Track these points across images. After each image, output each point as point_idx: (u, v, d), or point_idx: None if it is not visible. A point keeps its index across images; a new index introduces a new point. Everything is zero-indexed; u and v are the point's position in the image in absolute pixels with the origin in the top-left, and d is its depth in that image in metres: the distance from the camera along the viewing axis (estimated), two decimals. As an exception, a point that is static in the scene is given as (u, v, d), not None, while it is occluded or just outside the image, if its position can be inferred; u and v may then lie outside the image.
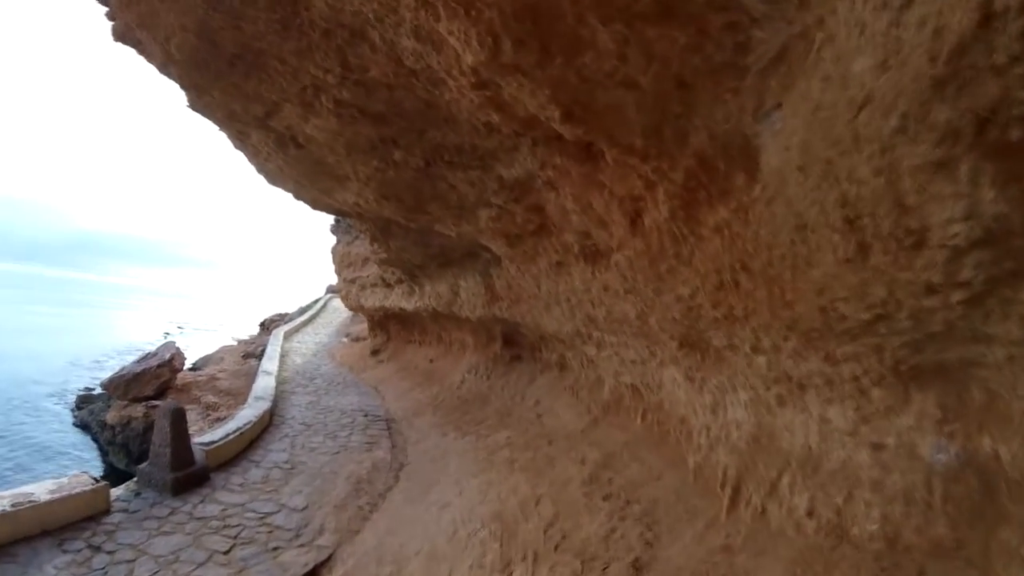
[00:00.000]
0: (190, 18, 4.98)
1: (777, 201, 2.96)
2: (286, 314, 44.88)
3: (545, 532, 6.23)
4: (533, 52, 3.05)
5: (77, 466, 16.41)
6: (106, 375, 22.58)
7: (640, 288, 5.31)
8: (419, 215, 8.68)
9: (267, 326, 39.79)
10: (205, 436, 10.97)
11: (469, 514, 7.38)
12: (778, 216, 3.01)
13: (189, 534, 7.78)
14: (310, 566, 7.28)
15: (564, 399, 10.63)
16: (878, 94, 2.11)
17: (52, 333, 48.49)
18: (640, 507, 5.98)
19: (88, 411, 22.17)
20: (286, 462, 11.11)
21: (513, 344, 14.31)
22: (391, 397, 17.55)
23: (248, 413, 13.17)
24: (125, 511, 8.15)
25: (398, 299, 18.70)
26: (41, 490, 7.51)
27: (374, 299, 21.76)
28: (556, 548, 5.85)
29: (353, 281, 23.77)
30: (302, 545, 7.79)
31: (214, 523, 8.18)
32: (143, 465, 9.35)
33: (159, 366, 20.19)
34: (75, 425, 22.16)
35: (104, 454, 18.77)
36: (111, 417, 18.88)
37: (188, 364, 24.71)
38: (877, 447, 3.66)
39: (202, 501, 8.85)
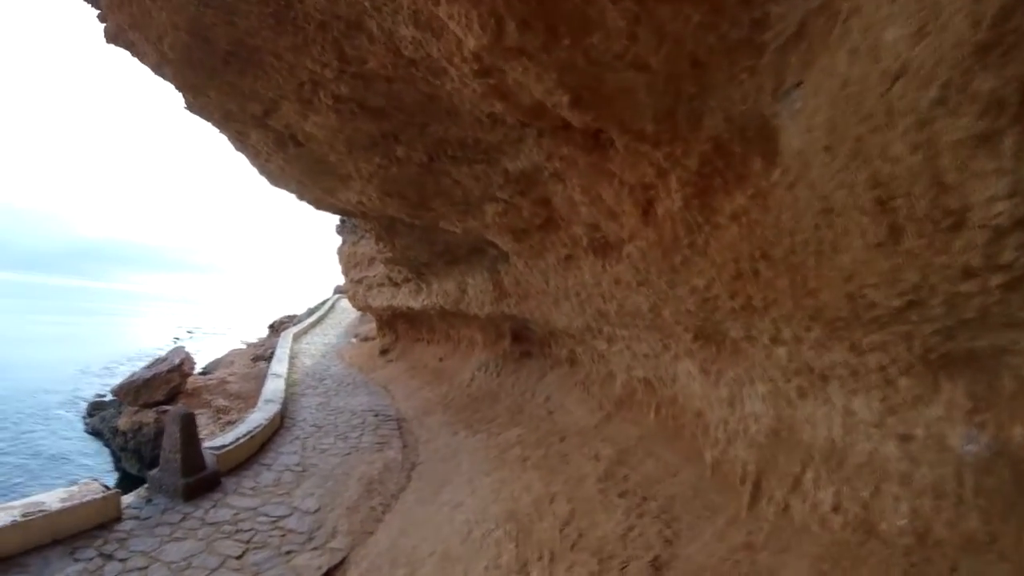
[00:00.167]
0: (182, 16, 4.86)
1: (800, 185, 2.82)
2: (295, 316, 45.00)
3: (561, 531, 6.11)
4: (539, 34, 2.90)
5: (90, 473, 16.46)
6: (117, 382, 22.57)
7: (653, 280, 5.16)
8: (424, 212, 8.56)
9: (276, 328, 39.87)
10: (216, 440, 10.91)
11: (482, 514, 7.27)
12: (801, 200, 2.87)
13: (201, 540, 7.71)
14: (324, 569, 7.19)
15: (575, 395, 10.52)
16: (914, 64, 1.97)
17: (61, 342, 48.83)
18: (657, 504, 5.85)
19: (100, 418, 22.23)
20: (297, 464, 11.04)
21: (522, 340, 14.24)
22: (401, 396, 17.51)
23: (258, 416, 13.13)
24: (136, 518, 8.09)
25: (405, 298, 18.66)
26: (52, 499, 7.44)
27: (381, 298, 21.74)
28: (573, 547, 5.73)
29: (360, 281, 23.75)
30: (315, 548, 7.71)
31: (226, 528, 8.10)
32: (154, 471, 9.29)
33: (169, 371, 20.18)
34: (87, 432, 22.21)
35: (117, 460, 18.80)
36: (123, 423, 18.91)
37: (198, 368, 24.69)
38: (905, 439, 3.52)
39: (214, 506, 8.78)
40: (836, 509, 3.97)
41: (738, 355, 5.11)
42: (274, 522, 8.40)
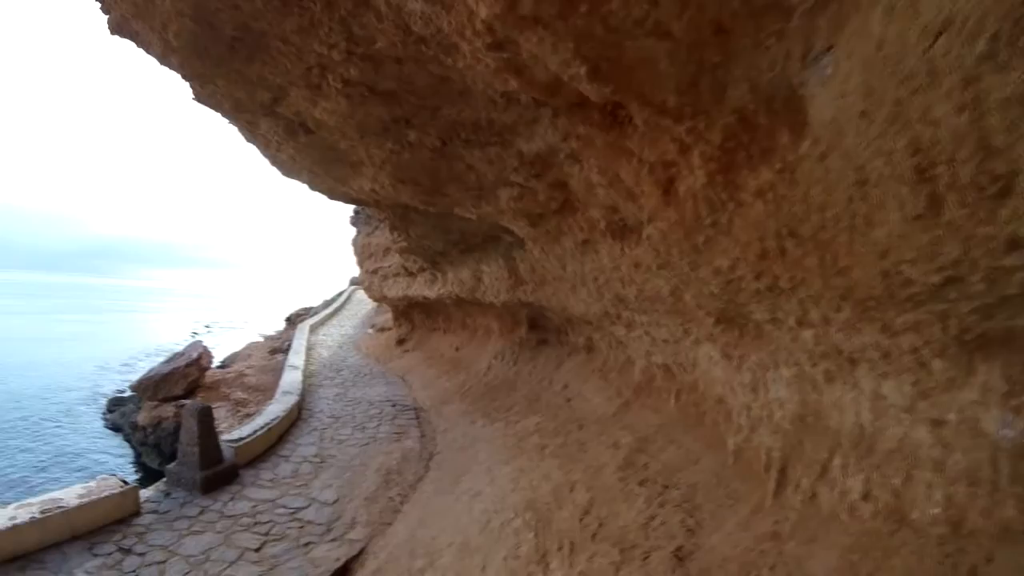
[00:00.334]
0: (186, 2, 4.75)
1: (832, 156, 2.66)
2: (311, 308, 45.21)
3: (581, 520, 6.02)
4: (554, 0, 2.76)
5: (110, 469, 16.63)
6: (136, 377, 22.77)
7: (674, 262, 5.01)
8: (437, 198, 8.46)
9: (293, 321, 40.09)
10: (233, 433, 10.94)
11: (501, 503, 7.20)
12: (832, 172, 2.71)
13: (220, 532, 7.72)
14: (342, 561, 7.17)
15: (593, 382, 10.42)
16: (959, 17, 1.83)
17: (80, 339, 49.40)
18: (679, 492, 5.74)
19: (119, 413, 22.44)
20: (315, 456, 11.06)
21: (539, 328, 14.16)
22: (418, 386, 17.53)
23: (276, 408, 13.18)
24: (155, 512, 8.12)
25: (421, 287, 18.64)
26: (70, 495, 7.48)
27: (397, 288, 21.76)
28: (593, 537, 5.64)
29: (375, 272, 23.80)
30: (334, 539, 7.70)
31: (244, 520, 8.12)
32: (172, 465, 9.33)
33: (187, 365, 20.33)
34: (107, 428, 22.43)
35: (137, 455, 18.95)
36: (142, 418, 19.05)
37: (216, 362, 24.85)
38: (937, 423, 3.37)
39: (232, 499, 8.80)
40: (866, 497, 3.83)
41: (762, 339, 4.95)
42: (292, 514, 8.42)
